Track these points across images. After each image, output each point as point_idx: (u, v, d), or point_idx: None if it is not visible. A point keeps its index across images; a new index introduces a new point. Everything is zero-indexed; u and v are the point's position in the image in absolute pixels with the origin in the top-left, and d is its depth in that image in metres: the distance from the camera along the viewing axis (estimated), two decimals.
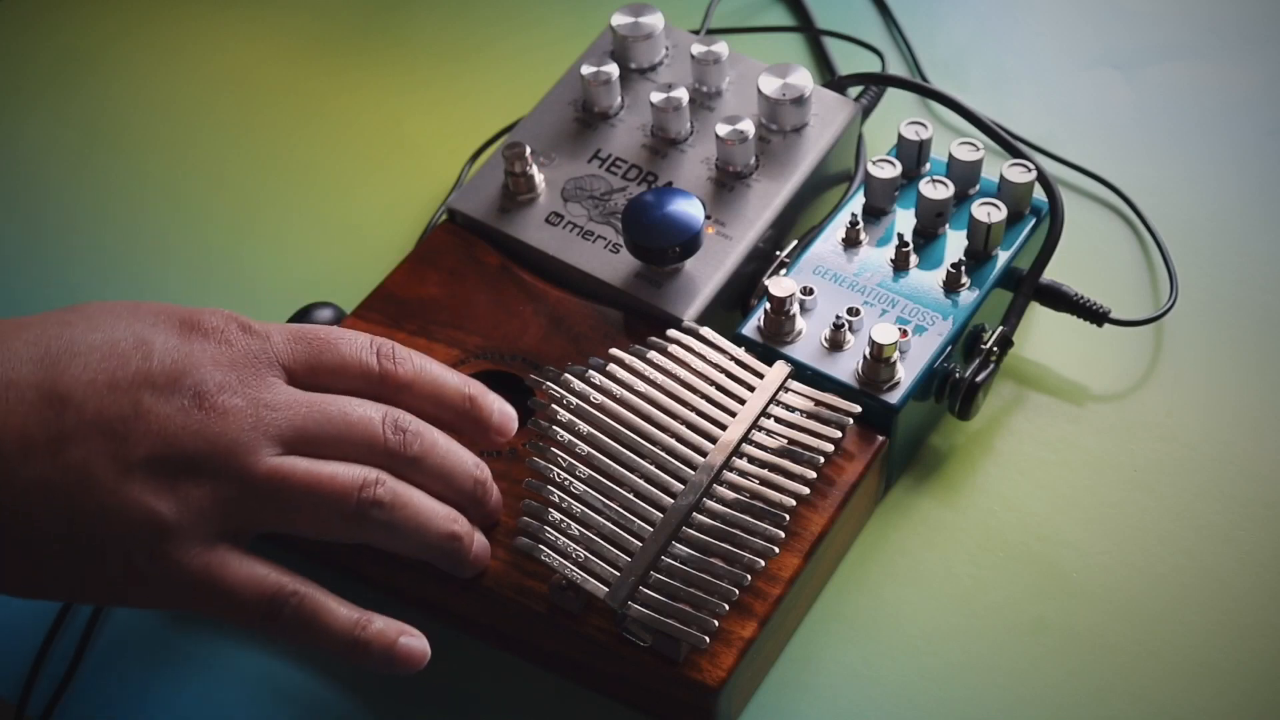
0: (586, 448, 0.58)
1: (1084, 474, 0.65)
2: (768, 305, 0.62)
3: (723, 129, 0.67)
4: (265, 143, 0.82)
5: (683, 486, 0.57)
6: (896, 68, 0.82)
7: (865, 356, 0.60)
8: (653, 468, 0.57)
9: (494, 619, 0.58)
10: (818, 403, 0.60)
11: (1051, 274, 0.66)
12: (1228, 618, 0.60)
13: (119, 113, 0.84)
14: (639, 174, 0.69)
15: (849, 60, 0.82)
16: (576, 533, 0.56)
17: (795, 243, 0.66)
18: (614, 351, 0.61)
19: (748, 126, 0.67)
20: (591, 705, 0.59)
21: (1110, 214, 0.74)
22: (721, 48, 0.71)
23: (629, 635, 0.55)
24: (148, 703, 0.60)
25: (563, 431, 0.58)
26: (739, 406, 0.59)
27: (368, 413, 0.53)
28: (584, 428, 0.58)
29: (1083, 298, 0.66)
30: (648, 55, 0.73)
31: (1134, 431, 0.66)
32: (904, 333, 0.61)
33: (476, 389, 0.57)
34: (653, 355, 0.61)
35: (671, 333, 0.62)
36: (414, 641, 0.52)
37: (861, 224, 0.66)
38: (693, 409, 0.59)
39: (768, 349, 0.62)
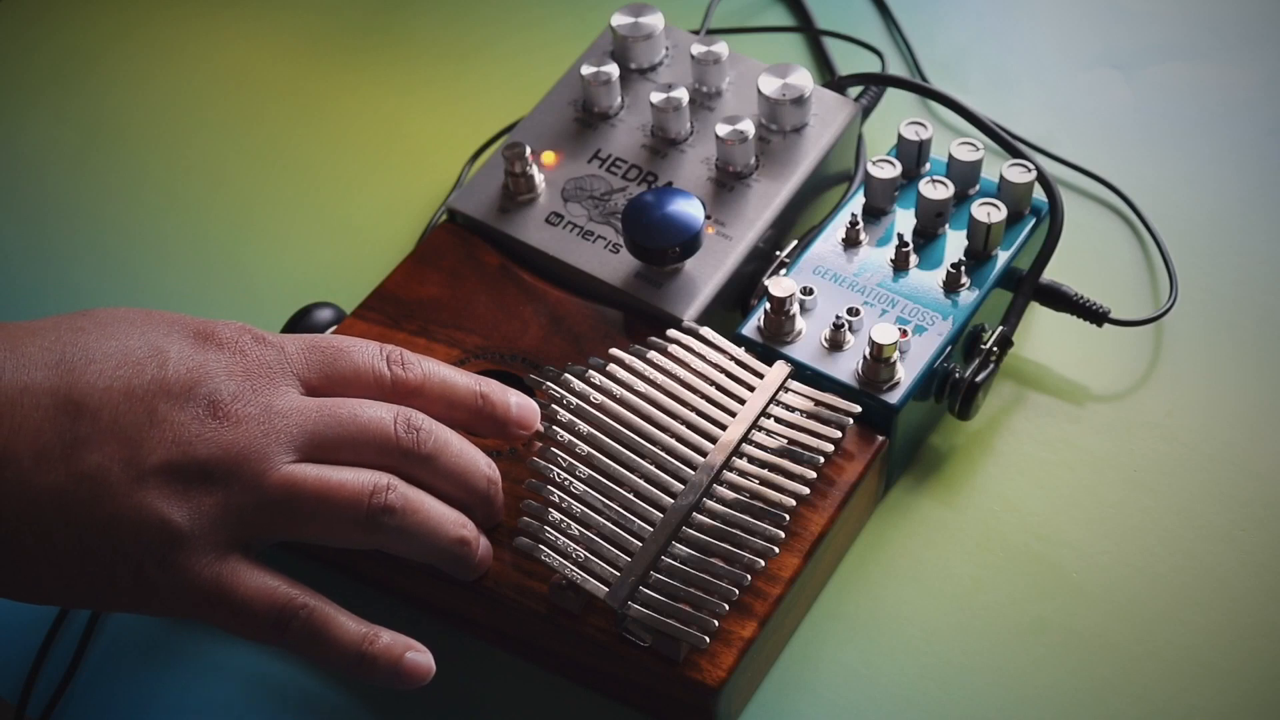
0: (586, 448, 0.58)
1: (1084, 474, 0.65)
2: (768, 305, 0.62)
3: (723, 129, 0.67)
4: (265, 142, 0.82)
5: (683, 486, 0.57)
6: (896, 68, 0.82)
7: (865, 356, 0.60)
8: (653, 468, 0.57)
9: (494, 619, 0.58)
10: (818, 403, 0.60)
11: (1051, 274, 0.66)
12: (1228, 618, 0.60)
13: (119, 113, 0.84)
14: (639, 174, 0.69)
15: (849, 60, 0.82)
16: (576, 533, 0.56)
17: (795, 243, 0.66)
18: (614, 351, 0.61)
19: (748, 126, 0.67)
20: (591, 705, 0.59)
21: (1110, 214, 0.74)
22: (721, 48, 0.71)
23: (629, 635, 0.55)
24: (148, 703, 0.60)
25: (563, 431, 0.58)
26: (739, 406, 0.59)
27: (379, 413, 0.53)
28: (584, 428, 0.58)
29: (1083, 298, 0.66)
30: (648, 55, 0.73)
31: (1134, 431, 0.66)
32: (904, 333, 0.61)
33: (489, 387, 0.57)
34: (653, 355, 0.61)
35: (671, 333, 0.62)
36: (419, 657, 0.52)
37: (861, 224, 0.66)
38: (693, 409, 0.59)
39: (768, 349, 0.62)
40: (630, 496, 0.56)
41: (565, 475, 0.57)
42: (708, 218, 0.66)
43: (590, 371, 0.60)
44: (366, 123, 0.82)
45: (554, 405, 0.59)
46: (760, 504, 0.56)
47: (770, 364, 0.61)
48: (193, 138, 0.82)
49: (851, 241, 0.65)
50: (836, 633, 0.60)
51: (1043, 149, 0.76)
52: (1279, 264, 0.71)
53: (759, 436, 0.59)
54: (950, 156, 0.66)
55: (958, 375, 0.63)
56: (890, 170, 0.66)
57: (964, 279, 0.63)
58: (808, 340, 0.62)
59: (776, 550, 0.55)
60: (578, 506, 0.56)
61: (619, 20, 0.72)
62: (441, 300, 0.66)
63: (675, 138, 0.70)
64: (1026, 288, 0.65)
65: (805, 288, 0.63)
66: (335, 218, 0.78)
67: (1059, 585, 0.61)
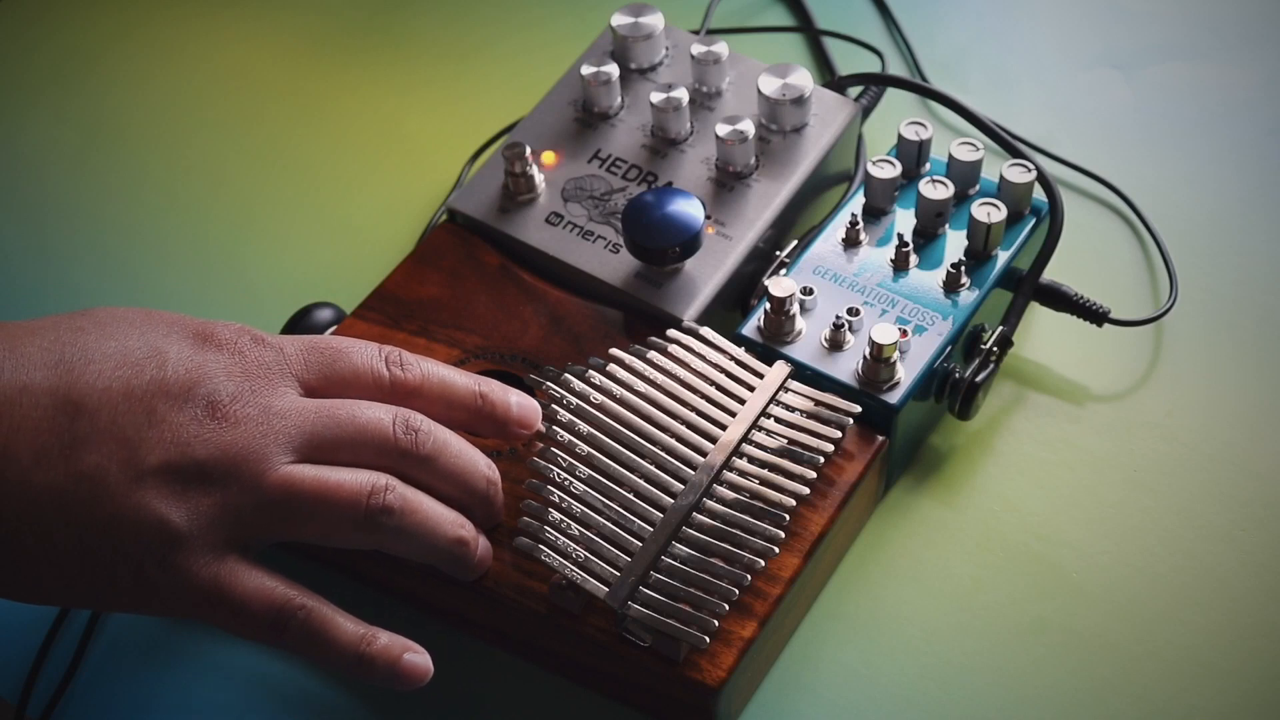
0: (586, 448, 0.58)
1: (1084, 474, 0.65)
2: (768, 305, 0.62)
3: (723, 129, 0.67)
4: (265, 142, 0.82)
5: (683, 486, 0.57)
6: (896, 68, 0.82)
7: (865, 356, 0.60)
8: (653, 468, 0.57)
9: (494, 619, 0.58)
10: (818, 403, 0.60)
11: (1051, 274, 0.66)
12: (1228, 618, 0.60)
13: (119, 113, 0.84)
14: (639, 174, 0.69)
15: (849, 60, 0.82)
16: (576, 533, 0.56)
17: (795, 243, 0.66)
18: (614, 351, 0.61)
19: (748, 126, 0.67)
20: (591, 705, 0.59)
21: (1110, 214, 0.74)
22: (721, 48, 0.71)
23: (629, 635, 0.55)
24: (148, 703, 0.60)
25: (563, 431, 0.58)
26: (739, 406, 0.59)
27: (378, 414, 0.53)
28: (584, 428, 0.58)
29: (1083, 298, 0.66)
30: (648, 55, 0.73)
31: (1134, 431, 0.66)
32: (904, 333, 0.61)
33: (489, 386, 0.57)
34: (653, 355, 0.61)
35: (671, 333, 0.62)
36: (417, 658, 0.52)
37: (861, 224, 0.66)
38: (693, 409, 0.59)
39: (768, 349, 0.62)
40: (630, 496, 0.56)
41: (565, 475, 0.57)
42: (708, 218, 0.66)
43: (590, 371, 0.60)
44: (366, 123, 0.82)
45: (554, 405, 0.59)
46: (760, 504, 0.56)
47: (770, 364, 0.61)
48: (193, 138, 0.82)
49: (851, 241, 0.65)
50: (836, 633, 0.60)
51: (1043, 149, 0.76)
52: (1279, 264, 0.71)
53: (759, 436, 0.59)
54: (950, 156, 0.66)
55: (958, 375, 0.63)
56: (890, 170, 0.66)
57: (964, 279, 0.63)
58: (808, 340, 0.62)
59: (776, 550, 0.55)
60: (578, 506, 0.56)
61: (619, 20, 0.72)
62: (441, 300, 0.66)
63: (675, 138, 0.70)
64: (1026, 288, 0.65)
65: (805, 288, 0.63)
66: (335, 218, 0.78)
67: (1059, 585, 0.61)
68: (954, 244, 0.65)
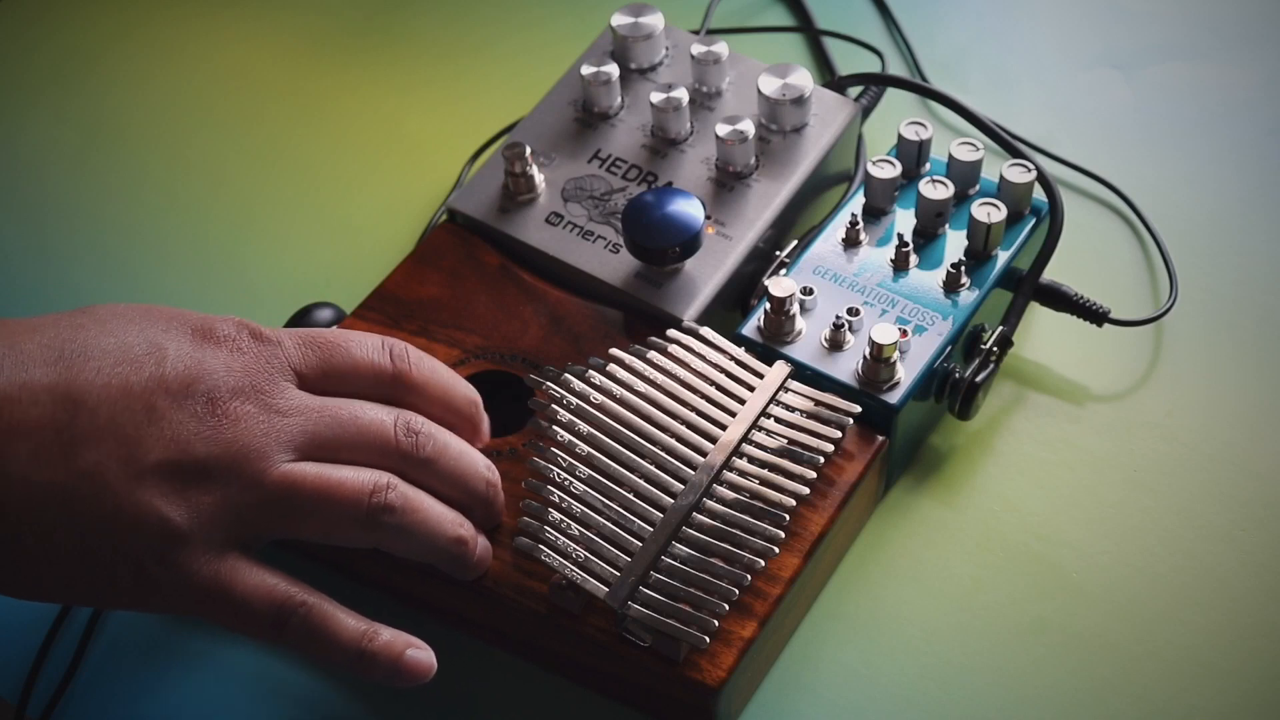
0: (586, 448, 0.58)
1: (1084, 474, 0.65)
2: (768, 305, 0.62)
3: (723, 129, 0.67)
4: (265, 142, 0.82)
5: (683, 486, 0.57)
6: (896, 68, 0.82)
7: (865, 356, 0.60)
8: (653, 468, 0.57)
9: (494, 619, 0.58)
10: (818, 403, 0.60)
11: (1051, 274, 0.66)
12: (1228, 618, 0.60)
13: (119, 113, 0.84)
14: (639, 174, 0.69)
15: (849, 60, 0.82)
16: (576, 533, 0.56)
17: (795, 243, 0.66)
18: (614, 351, 0.61)
19: (748, 126, 0.67)
20: (591, 705, 0.59)
21: (1110, 214, 0.74)
22: (721, 48, 0.71)
23: (629, 635, 0.55)
24: (148, 703, 0.60)
25: (563, 431, 0.58)
26: (739, 406, 0.59)
27: (379, 415, 0.53)
28: (584, 428, 0.58)
29: (1083, 298, 0.66)
30: (648, 55, 0.73)
31: (1134, 431, 0.66)
32: (904, 333, 0.61)
33: (476, 395, 0.59)
34: (653, 355, 0.61)
35: (671, 333, 0.62)
36: (420, 654, 0.52)
37: (861, 224, 0.66)
38: (693, 409, 0.59)
39: (768, 349, 0.62)
40: (630, 496, 0.56)
41: (565, 475, 0.57)
42: (708, 218, 0.66)
43: (590, 371, 0.60)
44: (366, 123, 0.82)
45: (554, 405, 0.59)
46: (760, 504, 0.56)
47: (770, 364, 0.61)
48: (193, 138, 0.82)
49: (851, 241, 0.65)
50: (836, 633, 0.60)
51: (1043, 149, 0.76)
52: (1279, 264, 0.71)
53: (759, 436, 0.59)
54: (950, 156, 0.66)
55: (958, 375, 0.63)
56: (890, 170, 0.66)
57: (964, 279, 0.63)
58: (808, 340, 0.62)
59: (776, 550, 0.55)
60: (578, 506, 0.56)
61: (619, 20, 0.72)
62: (441, 300, 0.66)
63: (675, 138, 0.70)
64: (1026, 288, 0.65)
65: (805, 288, 0.63)
66: (335, 218, 0.78)
67: (1059, 585, 0.61)
68: (954, 244, 0.65)
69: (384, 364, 0.55)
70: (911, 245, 0.64)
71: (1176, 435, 0.65)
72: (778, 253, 0.66)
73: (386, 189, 0.79)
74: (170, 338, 0.51)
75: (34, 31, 0.88)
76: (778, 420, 0.59)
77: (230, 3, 0.89)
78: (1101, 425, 0.66)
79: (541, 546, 0.55)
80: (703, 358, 0.61)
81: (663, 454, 0.58)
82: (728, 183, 0.68)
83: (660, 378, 0.60)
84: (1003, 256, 0.65)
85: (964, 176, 0.66)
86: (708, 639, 0.53)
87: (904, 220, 0.66)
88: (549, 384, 0.60)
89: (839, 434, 0.59)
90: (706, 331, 0.62)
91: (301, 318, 0.68)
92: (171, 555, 0.48)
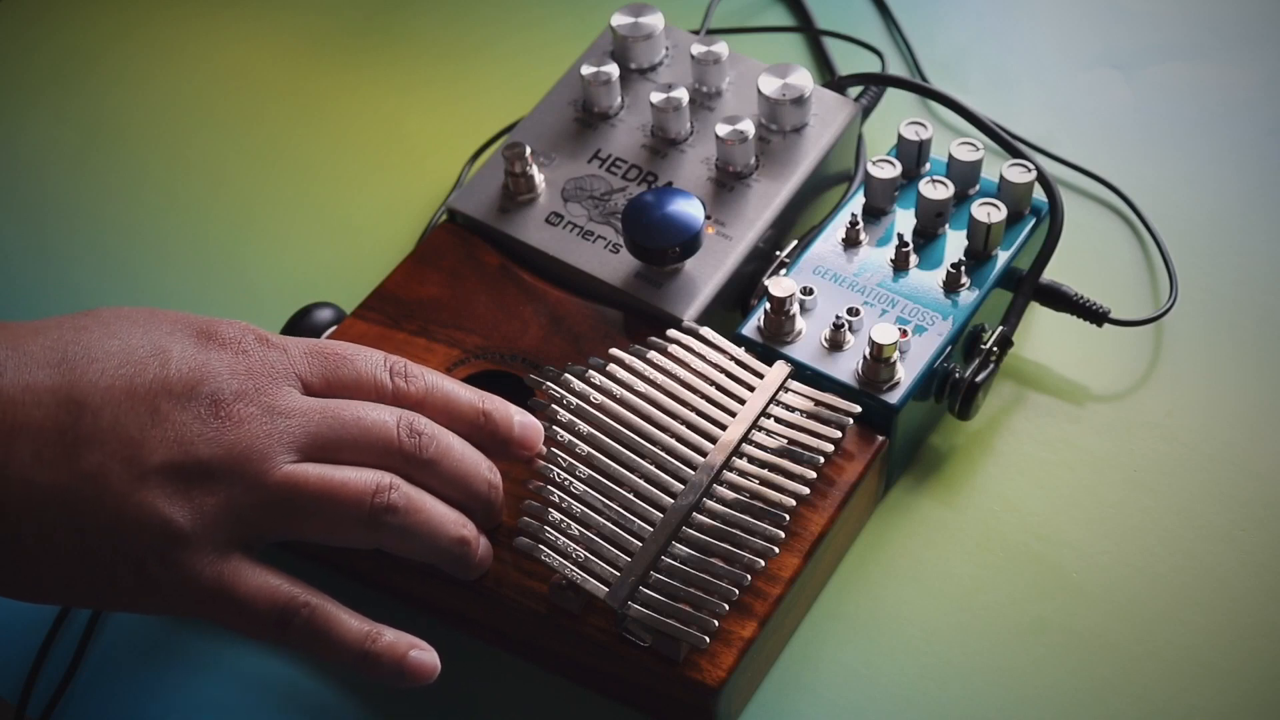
0: (586, 448, 0.58)
1: (1084, 474, 0.65)
2: (768, 305, 0.62)
3: (723, 129, 0.67)
4: (265, 143, 0.82)
5: (683, 486, 0.57)
6: (896, 68, 0.82)
7: (865, 356, 0.60)
8: (653, 468, 0.57)
9: (494, 619, 0.58)
10: (818, 403, 0.60)
11: (1051, 274, 0.66)
12: (1228, 618, 0.60)
13: (119, 113, 0.84)
14: (639, 174, 0.69)
15: (849, 60, 0.82)
16: (576, 533, 0.56)
17: (795, 243, 0.66)
18: (614, 351, 0.61)
19: (748, 126, 0.67)
20: (591, 705, 0.59)
21: (1110, 214, 0.74)
22: (721, 48, 0.71)
23: (629, 635, 0.55)
24: (148, 703, 0.60)
25: (563, 431, 0.58)
26: (739, 406, 0.59)
27: (382, 417, 0.53)
28: (584, 428, 0.58)
29: (1083, 298, 0.66)
30: (648, 55, 0.73)
31: (1134, 431, 0.66)
32: (904, 333, 0.61)
33: (493, 404, 0.56)
34: (653, 355, 0.61)
35: (671, 333, 0.62)
36: (424, 655, 0.52)
37: (861, 224, 0.66)
38: (693, 409, 0.59)
39: (768, 349, 0.62)
40: (630, 496, 0.56)
41: (565, 475, 0.57)
42: (708, 218, 0.66)
43: (590, 371, 0.60)
44: (366, 123, 0.82)
45: (554, 405, 0.59)
46: (760, 504, 0.56)
47: (770, 364, 0.61)
48: (193, 138, 0.82)
49: (851, 241, 0.65)
50: (836, 633, 0.60)
51: (1043, 149, 0.76)
52: (1279, 264, 0.71)
53: (759, 436, 0.59)
54: (950, 156, 0.66)
55: (958, 375, 0.63)
56: (890, 170, 0.66)
57: (964, 279, 0.63)
58: (808, 340, 0.62)
59: (776, 550, 0.55)
60: (578, 506, 0.56)
61: (619, 20, 0.72)
62: (441, 300, 0.66)
63: (675, 138, 0.70)
64: (1026, 288, 0.65)
65: (805, 288, 0.63)
66: (335, 218, 0.78)
67: (1059, 585, 0.61)
68: (954, 244, 0.65)
69: (384, 380, 0.55)
70: (911, 245, 0.64)
71: (1176, 435, 0.65)
72: (778, 253, 0.66)
73: (386, 189, 0.79)
74: (174, 340, 0.51)
75: (34, 31, 0.88)
76: (778, 420, 0.59)
77: (230, 3, 0.89)
78: (1101, 425, 0.66)
79: (541, 546, 0.55)
80: (703, 358, 0.61)
81: (663, 454, 0.58)
82: (728, 183, 0.68)
83: (660, 378, 0.60)
84: (1003, 256, 0.65)
85: (964, 176, 0.66)
86: (708, 639, 0.53)
87: (904, 220, 0.66)
88: (549, 384, 0.60)
89: (839, 434, 0.59)
90: (706, 331, 0.62)
91: (301, 318, 0.68)
92: (174, 556, 0.48)
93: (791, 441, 0.59)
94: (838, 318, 0.62)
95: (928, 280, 0.64)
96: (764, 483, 0.57)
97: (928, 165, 0.68)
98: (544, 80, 0.80)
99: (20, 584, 0.49)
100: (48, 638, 0.61)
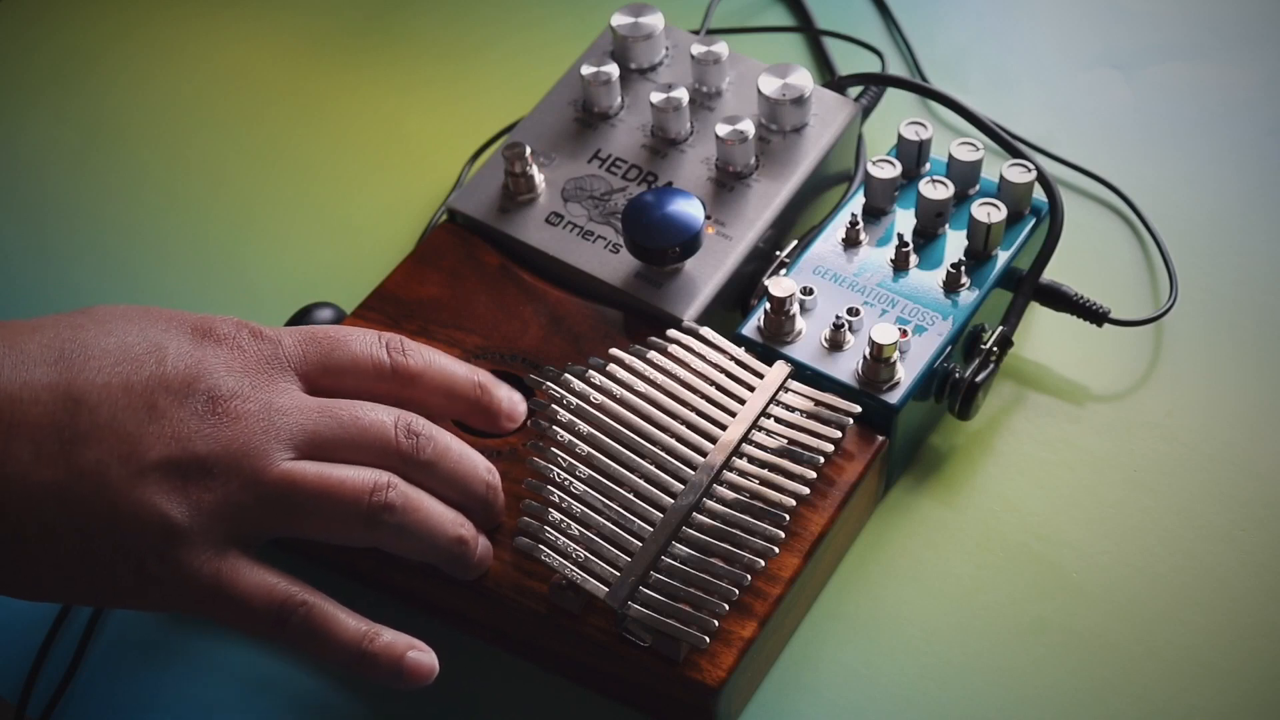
0: (586, 448, 0.58)
1: (1084, 474, 0.65)
2: (768, 305, 0.62)
3: (723, 129, 0.67)
4: (265, 143, 0.82)
5: (683, 486, 0.57)
6: (896, 68, 0.82)
7: (865, 356, 0.60)
8: (653, 468, 0.57)
9: (494, 619, 0.58)
10: (818, 403, 0.60)
11: (1051, 274, 0.66)
12: (1228, 618, 0.60)
13: (119, 113, 0.84)
14: (639, 174, 0.69)
15: (849, 60, 0.82)
16: (576, 533, 0.56)
17: (795, 243, 0.66)
18: (614, 351, 0.61)
19: (748, 126, 0.67)
20: (591, 705, 0.59)
21: (1110, 214, 0.74)
22: (721, 48, 0.71)
23: (629, 635, 0.55)
24: (148, 703, 0.60)
25: (563, 431, 0.58)
26: (739, 406, 0.59)
27: (380, 416, 0.53)
28: (584, 428, 0.58)
29: (1083, 298, 0.66)
30: (648, 55, 0.73)
31: (1134, 431, 0.66)
32: (904, 333, 0.61)
33: (485, 377, 0.58)
34: (653, 355, 0.61)
35: (671, 333, 0.62)
36: (422, 656, 0.52)
37: (861, 224, 0.66)
38: (693, 409, 0.59)
39: (768, 349, 0.62)
40: (630, 496, 0.56)
41: (565, 475, 0.57)
42: (708, 218, 0.66)
43: (590, 371, 0.60)
44: (366, 123, 0.82)
45: (554, 405, 0.59)
46: (760, 504, 0.56)
47: (770, 364, 0.61)
48: (193, 138, 0.82)
49: (851, 241, 0.65)
50: (836, 633, 0.60)
51: (1043, 149, 0.76)
52: (1279, 264, 0.71)
53: (759, 436, 0.59)
54: (950, 156, 0.66)
55: (958, 375, 0.63)
56: (890, 170, 0.66)
57: (964, 279, 0.63)
58: (808, 340, 0.62)
59: (776, 550, 0.55)
60: (578, 506, 0.56)
61: (619, 20, 0.72)
62: (441, 300, 0.66)
63: (675, 138, 0.70)
64: (1026, 288, 0.65)
65: (805, 288, 0.63)
66: (335, 218, 0.78)
67: (1059, 585, 0.61)
68: (954, 244, 0.65)
69: (382, 357, 0.55)
70: (911, 245, 0.64)
71: (1176, 435, 0.65)
72: (778, 253, 0.66)
73: (386, 189, 0.79)
74: (170, 337, 0.51)
75: (34, 31, 0.88)
76: (778, 420, 0.59)
77: (230, 3, 0.89)
78: (1101, 425, 0.66)
79: (541, 546, 0.55)
80: (703, 358, 0.61)
81: (663, 454, 0.58)
82: (728, 183, 0.68)
83: (660, 378, 0.60)
84: (1003, 256, 0.65)
85: (964, 176, 0.66)
86: (708, 639, 0.53)
87: (904, 220, 0.66)
88: (549, 384, 0.60)
89: (839, 434, 0.59)
90: (706, 331, 0.62)
91: (301, 318, 0.68)
92: (172, 553, 0.48)
93: (791, 441, 0.59)
94: (838, 318, 0.62)
95: (928, 280, 0.64)
96: (764, 483, 0.57)
97: (928, 165, 0.68)
98: (544, 80, 0.80)
99: (19, 582, 0.49)
100: (48, 638, 0.61)
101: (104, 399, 0.48)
